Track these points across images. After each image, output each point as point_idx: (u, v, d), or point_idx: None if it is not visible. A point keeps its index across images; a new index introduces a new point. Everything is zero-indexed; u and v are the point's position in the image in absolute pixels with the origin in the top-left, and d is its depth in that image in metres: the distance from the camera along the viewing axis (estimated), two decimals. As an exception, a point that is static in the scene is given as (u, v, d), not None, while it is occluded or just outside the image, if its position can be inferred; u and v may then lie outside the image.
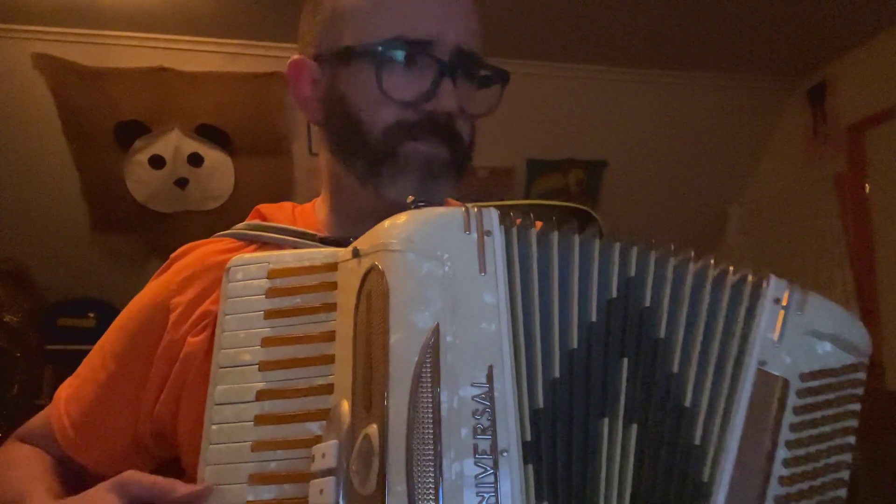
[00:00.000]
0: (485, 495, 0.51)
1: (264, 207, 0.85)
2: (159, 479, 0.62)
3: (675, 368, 0.61)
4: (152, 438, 0.77)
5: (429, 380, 0.53)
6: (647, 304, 0.61)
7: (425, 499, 0.50)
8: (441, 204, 0.77)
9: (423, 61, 0.75)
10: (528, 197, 3.22)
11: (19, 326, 2.83)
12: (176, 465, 0.77)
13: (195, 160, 2.92)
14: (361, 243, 0.60)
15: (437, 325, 0.54)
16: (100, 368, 0.80)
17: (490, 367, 0.54)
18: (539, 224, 0.62)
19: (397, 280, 0.56)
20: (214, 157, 2.94)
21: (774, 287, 0.64)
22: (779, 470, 0.59)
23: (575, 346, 0.59)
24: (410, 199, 0.61)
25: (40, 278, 3.01)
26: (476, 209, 0.59)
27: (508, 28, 2.66)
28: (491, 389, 0.53)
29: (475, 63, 0.78)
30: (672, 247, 0.63)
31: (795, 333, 0.63)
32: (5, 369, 2.74)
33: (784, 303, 0.63)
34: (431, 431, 0.52)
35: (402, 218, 0.59)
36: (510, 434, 0.53)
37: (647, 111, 3.11)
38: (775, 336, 0.62)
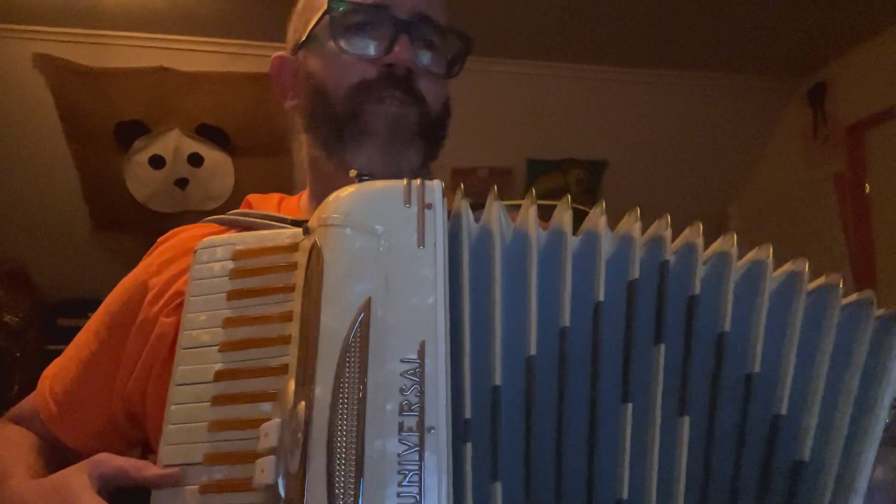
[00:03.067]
0: (407, 473, 0.49)
1: (252, 197, 0.88)
2: (130, 460, 0.63)
3: (756, 368, 0.58)
4: (125, 417, 0.79)
5: (356, 355, 0.52)
6: (696, 292, 0.59)
7: (346, 476, 0.49)
8: (409, 171, 0.78)
9: (379, 23, 0.79)
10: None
11: (19, 326, 2.83)
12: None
13: (195, 160, 2.92)
14: (311, 221, 0.60)
15: (369, 300, 0.53)
16: (83, 347, 0.82)
17: (422, 343, 0.52)
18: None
19: (332, 255, 0.55)
20: (214, 157, 2.94)
21: None
22: None
23: (567, 324, 0.56)
24: (353, 173, 0.61)
25: (40, 278, 3.01)
26: (419, 181, 0.58)
27: (508, 28, 2.66)
28: (422, 366, 0.52)
29: (434, 28, 0.81)
30: (735, 238, 0.61)
31: None
32: (5, 369, 2.74)
33: None
34: (356, 408, 0.50)
35: (344, 192, 0.58)
36: (439, 412, 0.51)
37: (647, 111, 3.11)
38: None
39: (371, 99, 0.77)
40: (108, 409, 0.79)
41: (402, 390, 0.51)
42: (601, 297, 0.58)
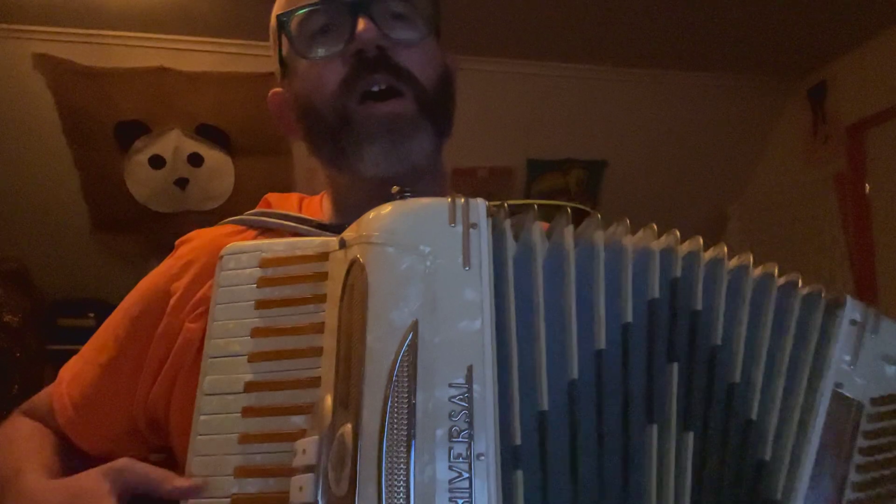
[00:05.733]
0: (458, 501, 0.49)
1: (272, 196, 0.86)
2: (154, 468, 0.62)
3: (737, 378, 0.59)
4: (146, 424, 0.77)
5: (405, 379, 0.51)
6: (699, 307, 0.59)
7: (395, 502, 0.48)
8: (425, 162, 0.75)
9: (335, 16, 0.75)
10: (528, 197, 3.21)
11: (19, 326, 2.83)
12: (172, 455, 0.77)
13: (195, 160, 2.92)
14: (348, 233, 0.59)
15: (416, 322, 0.52)
16: (101, 350, 0.80)
17: (470, 368, 0.51)
18: (543, 224, 0.61)
19: (377, 275, 0.54)
20: (214, 157, 2.93)
21: (851, 307, 0.63)
22: (848, 494, 0.59)
23: (603, 346, 0.56)
24: (395, 189, 0.59)
25: (40, 278, 3.00)
26: (463, 200, 0.56)
27: (509, 28, 2.66)
28: (469, 391, 0.51)
29: None
30: (725, 249, 0.62)
31: (869, 357, 0.62)
32: (5, 369, 2.74)
33: (860, 324, 0.62)
34: (405, 433, 0.50)
35: (386, 209, 0.57)
36: (489, 438, 0.50)
37: (647, 111, 3.11)
38: (850, 358, 0.62)
39: (355, 96, 0.74)
40: (128, 414, 0.78)
41: (451, 415, 0.50)
42: (629, 318, 0.58)
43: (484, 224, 0.56)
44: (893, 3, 2.53)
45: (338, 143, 0.75)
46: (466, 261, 0.54)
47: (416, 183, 0.74)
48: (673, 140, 3.17)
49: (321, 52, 0.76)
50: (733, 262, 0.62)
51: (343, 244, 0.59)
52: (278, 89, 0.84)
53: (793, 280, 0.63)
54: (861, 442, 0.60)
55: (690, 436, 0.57)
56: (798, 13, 2.57)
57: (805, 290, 0.63)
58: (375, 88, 0.74)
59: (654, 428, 0.56)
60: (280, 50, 0.81)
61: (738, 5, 2.52)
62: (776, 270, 0.63)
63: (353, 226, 0.59)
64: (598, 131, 3.13)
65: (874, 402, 0.61)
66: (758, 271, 0.63)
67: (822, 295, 0.63)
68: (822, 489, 0.59)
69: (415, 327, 0.52)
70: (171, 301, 0.76)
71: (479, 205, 0.57)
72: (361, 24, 0.73)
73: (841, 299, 0.63)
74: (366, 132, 0.73)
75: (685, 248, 0.61)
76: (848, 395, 0.61)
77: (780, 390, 0.60)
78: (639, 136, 3.14)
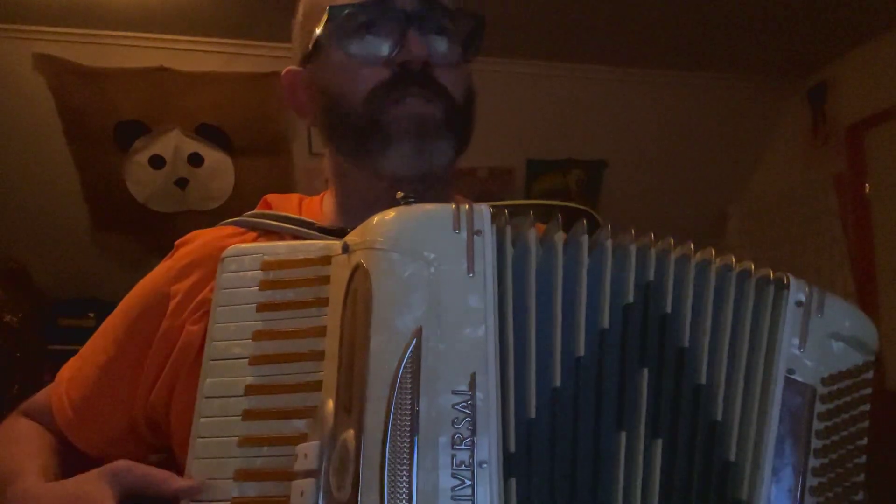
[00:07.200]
0: None
1: (271, 197, 0.85)
2: (153, 470, 0.62)
3: (703, 380, 0.58)
4: (146, 425, 0.77)
5: (408, 386, 0.51)
6: (669, 310, 0.59)
7: None
8: (442, 171, 0.75)
9: (385, 19, 0.75)
10: (528, 197, 3.21)
11: (19, 326, 2.83)
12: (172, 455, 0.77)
13: (195, 160, 2.92)
14: (351, 238, 0.59)
15: (420, 329, 0.52)
16: (100, 351, 0.80)
17: (473, 375, 0.51)
18: (541, 225, 0.60)
19: (380, 281, 0.54)
20: (214, 157, 2.94)
21: (795, 288, 0.61)
22: (810, 481, 0.58)
23: (582, 353, 0.56)
24: (400, 194, 0.59)
25: (40, 278, 3.01)
26: (467, 206, 0.56)
27: (509, 28, 2.65)
28: (473, 398, 0.51)
29: (442, 12, 0.77)
30: (691, 245, 0.61)
31: (817, 337, 0.61)
32: (5, 369, 2.74)
33: (805, 305, 0.61)
34: (408, 440, 0.50)
35: (390, 214, 0.57)
36: (491, 446, 0.50)
37: (647, 111, 3.11)
38: (799, 341, 0.60)
39: (389, 101, 0.74)
40: (128, 416, 0.77)
41: (454, 423, 0.50)
42: (606, 325, 0.58)
43: (488, 231, 0.55)
44: (893, 3, 2.53)
45: (365, 142, 0.75)
46: (470, 267, 0.54)
47: (428, 190, 0.74)
48: (673, 140, 3.17)
49: (366, 50, 0.75)
50: (697, 257, 0.61)
51: (346, 248, 0.59)
52: (294, 67, 0.83)
53: (746, 268, 0.62)
54: (817, 425, 0.59)
55: (659, 443, 0.56)
56: (798, 13, 2.57)
57: (758, 275, 0.62)
58: (408, 102, 0.74)
59: (623, 436, 0.56)
60: (316, 31, 0.79)
61: (739, 5, 2.52)
62: (733, 260, 0.62)
63: (357, 230, 0.59)
64: (598, 131, 3.13)
65: (825, 381, 0.60)
66: (718, 263, 0.62)
67: (772, 277, 0.62)
68: (784, 481, 0.58)
69: (418, 334, 0.52)
70: (172, 303, 0.76)
71: (484, 211, 0.56)
72: (413, 37, 0.74)
73: (785, 280, 0.62)
74: (395, 132, 0.74)
75: (658, 247, 0.61)
76: (800, 379, 0.59)
77: (740, 387, 0.59)
78: (639, 136, 3.14)
